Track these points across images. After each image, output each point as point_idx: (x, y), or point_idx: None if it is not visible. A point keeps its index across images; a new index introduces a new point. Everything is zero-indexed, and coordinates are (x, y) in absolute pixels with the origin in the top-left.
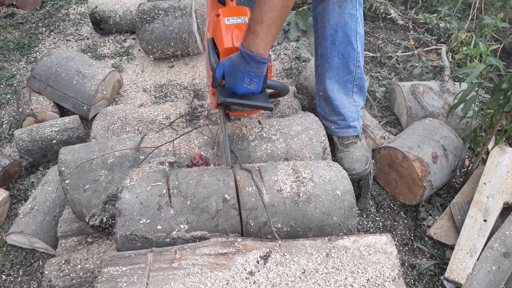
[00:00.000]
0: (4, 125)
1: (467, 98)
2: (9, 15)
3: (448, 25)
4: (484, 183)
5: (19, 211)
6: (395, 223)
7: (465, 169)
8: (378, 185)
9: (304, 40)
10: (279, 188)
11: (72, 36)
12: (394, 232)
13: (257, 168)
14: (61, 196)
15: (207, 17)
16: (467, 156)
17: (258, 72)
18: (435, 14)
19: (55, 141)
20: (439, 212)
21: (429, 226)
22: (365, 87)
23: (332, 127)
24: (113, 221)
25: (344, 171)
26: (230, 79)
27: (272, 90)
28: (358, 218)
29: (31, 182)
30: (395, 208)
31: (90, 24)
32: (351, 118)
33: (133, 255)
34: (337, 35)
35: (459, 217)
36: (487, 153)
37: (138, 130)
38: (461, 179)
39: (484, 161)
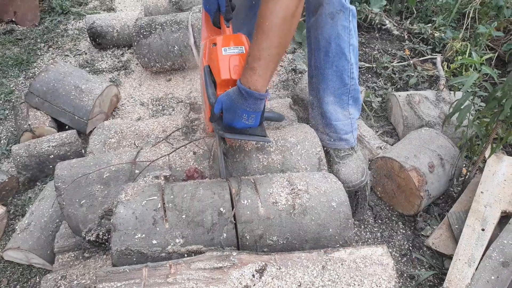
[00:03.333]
0: (2, 141)
1: (462, 107)
2: (8, 32)
3: (443, 34)
4: (482, 192)
5: (16, 227)
6: (393, 233)
7: (462, 178)
8: (375, 195)
9: (300, 52)
10: (274, 201)
11: (70, 51)
12: (392, 243)
13: (252, 181)
14: (58, 211)
15: (203, 41)
16: (464, 165)
17: (256, 108)
18: (430, 24)
19: (52, 156)
20: (437, 222)
21: (427, 236)
22: (360, 98)
23: (325, 139)
24: (109, 236)
25: (340, 182)
26: (229, 115)
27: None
28: (355, 229)
29: (29, 198)
30: (393, 218)
31: (88, 39)
32: (343, 131)
33: (128, 270)
34: (331, 47)
35: (457, 226)
36: (484, 161)
37: (135, 144)
38: (458, 188)
39: (481, 170)
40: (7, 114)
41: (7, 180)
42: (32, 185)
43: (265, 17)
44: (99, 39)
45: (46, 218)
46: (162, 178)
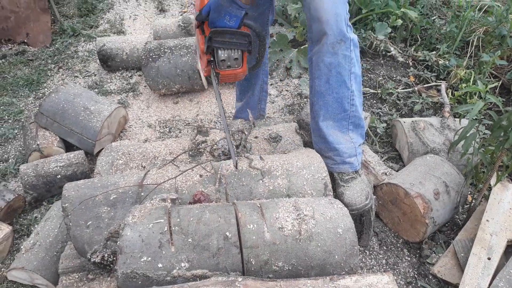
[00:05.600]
0: (10, 160)
1: (468, 135)
2: (20, 52)
3: (447, 62)
4: (487, 220)
5: (21, 247)
6: (399, 260)
7: (467, 206)
8: (381, 222)
9: (306, 77)
10: (280, 226)
11: (79, 73)
12: (397, 270)
13: (259, 205)
14: (64, 232)
15: None
16: (469, 192)
17: (237, 13)
18: (434, 52)
19: (59, 176)
20: (443, 250)
21: (432, 264)
22: (362, 125)
23: (329, 163)
24: (115, 258)
25: (346, 208)
26: (214, 14)
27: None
28: (360, 255)
29: (35, 217)
30: (398, 245)
31: (98, 61)
32: (346, 154)
33: None
34: (331, 75)
35: (462, 254)
36: (489, 189)
37: (142, 165)
38: (464, 216)
39: (486, 198)
40: (16, 133)
41: (14, 199)
42: (38, 205)
43: None
44: (109, 61)
45: (51, 238)
46: (169, 201)
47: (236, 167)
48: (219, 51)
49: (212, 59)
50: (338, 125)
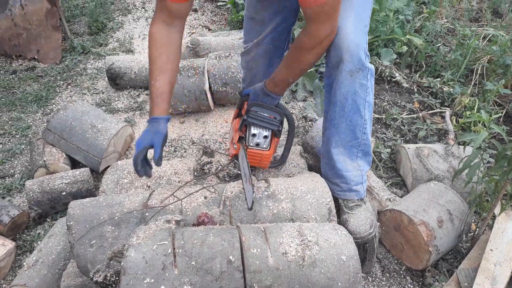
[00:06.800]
0: (16, 175)
1: (472, 164)
2: (30, 69)
3: (452, 89)
4: (491, 250)
5: (24, 263)
6: None
7: (471, 234)
8: (384, 248)
9: (311, 101)
10: (284, 251)
11: (88, 90)
12: None
13: (262, 229)
14: (67, 249)
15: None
16: (473, 221)
17: (272, 101)
18: (438, 79)
19: (64, 193)
20: (446, 278)
21: None
22: (370, 152)
23: (335, 189)
24: (117, 278)
25: (350, 235)
26: (253, 97)
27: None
28: (363, 282)
29: (38, 234)
30: (401, 272)
31: (106, 79)
32: (353, 182)
33: None
34: (347, 103)
35: (466, 284)
36: (494, 218)
37: (147, 185)
38: (467, 244)
39: (490, 227)
40: (23, 148)
41: (18, 215)
42: (42, 221)
43: (298, 59)
44: (117, 80)
45: (54, 255)
46: (173, 222)
47: (251, 209)
48: (252, 127)
49: (243, 135)
50: (348, 152)
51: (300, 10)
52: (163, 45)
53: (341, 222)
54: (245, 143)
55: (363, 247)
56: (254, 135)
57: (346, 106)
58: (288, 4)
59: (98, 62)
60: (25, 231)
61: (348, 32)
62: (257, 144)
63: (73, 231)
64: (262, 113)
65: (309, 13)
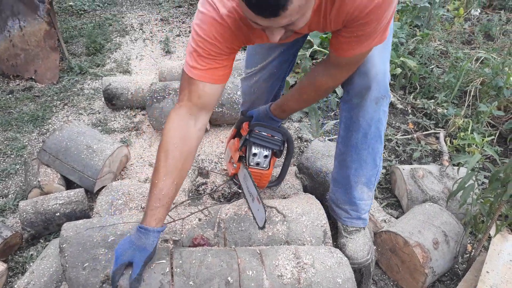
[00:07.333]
0: (10, 195)
1: (466, 185)
2: (27, 89)
3: (445, 111)
4: (487, 272)
5: (15, 285)
6: None
7: (467, 255)
8: (380, 269)
9: (306, 122)
10: (279, 274)
11: (84, 110)
12: None
13: (258, 252)
14: (59, 271)
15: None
16: (469, 242)
17: (275, 124)
18: (432, 100)
19: (58, 214)
20: None
21: None
22: (379, 178)
23: (342, 215)
24: None
25: (346, 258)
26: (257, 119)
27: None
28: None
29: (30, 255)
30: None
31: (103, 99)
32: (364, 211)
33: None
34: (370, 130)
35: None
36: (490, 238)
37: (141, 207)
38: (463, 266)
39: (486, 248)
40: (17, 168)
41: (11, 236)
42: (35, 242)
43: (312, 95)
44: (114, 100)
45: (46, 278)
46: (172, 242)
47: (263, 228)
48: (253, 147)
49: (243, 155)
50: (367, 182)
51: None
52: (180, 140)
53: (339, 245)
54: (245, 162)
55: (359, 270)
56: (255, 154)
57: (370, 134)
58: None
59: (95, 83)
60: (18, 252)
61: (376, 61)
62: (257, 164)
63: (66, 254)
64: (264, 133)
65: (338, 61)
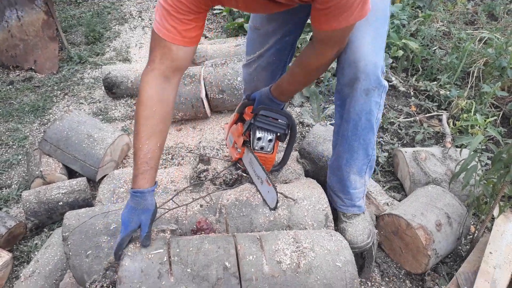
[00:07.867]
0: (13, 186)
1: (468, 167)
2: (27, 79)
3: (448, 92)
4: (490, 253)
5: (21, 274)
6: None
7: (470, 237)
8: (383, 252)
9: (308, 106)
10: (279, 259)
11: (85, 99)
12: None
13: (258, 237)
14: (63, 260)
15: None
16: (472, 223)
17: (277, 106)
18: (435, 82)
19: (61, 203)
20: (446, 282)
21: None
22: (374, 165)
23: (338, 202)
24: None
25: (346, 241)
26: (258, 103)
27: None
28: (362, 287)
29: (35, 244)
30: (401, 276)
31: (103, 88)
32: (357, 199)
33: None
34: (361, 121)
35: (466, 287)
36: (493, 220)
37: None
38: (467, 247)
39: (489, 229)
40: (20, 159)
41: (15, 226)
42: (39, 232)
43: (304, 76)
44: (114, 89)
45: (51, 266)
46: (168, 232)
47: (274, 209)
48: (257, 131)
49: (247, 139)
50: (358, 170)
51: (308, 24)
52: (157, 102)
53: (339, 230)
54: (250, 146)
55: (361, 254)
56: (259, 138)
57: (360, 125)
58: (296, 18)
59: (95, 72)
60: (22, 241)
61: (365, 51)
62: (262, 148)
63: (69, 242)
64: (270, 117)
65: (320, 36)
